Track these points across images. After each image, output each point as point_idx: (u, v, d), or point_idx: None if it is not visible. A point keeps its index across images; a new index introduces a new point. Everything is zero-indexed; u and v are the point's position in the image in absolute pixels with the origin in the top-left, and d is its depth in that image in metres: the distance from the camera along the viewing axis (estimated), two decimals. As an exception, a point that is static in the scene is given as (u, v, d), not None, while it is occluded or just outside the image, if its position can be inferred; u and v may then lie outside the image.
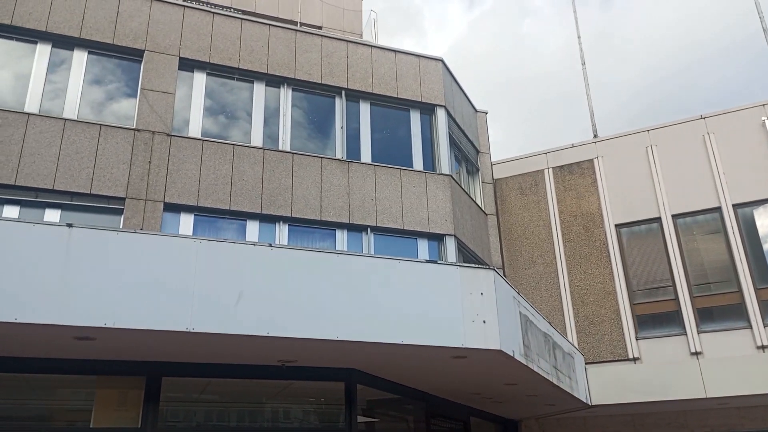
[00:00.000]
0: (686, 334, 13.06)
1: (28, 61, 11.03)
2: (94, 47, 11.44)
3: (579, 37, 17.33)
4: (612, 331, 13.64)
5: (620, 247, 14.19)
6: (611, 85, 47.22)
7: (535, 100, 52.47)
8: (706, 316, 13.15)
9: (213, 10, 12.62)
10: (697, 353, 12.83)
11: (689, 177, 13.94)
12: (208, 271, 6.16)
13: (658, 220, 14.00)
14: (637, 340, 13.39)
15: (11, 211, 10.08)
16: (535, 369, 8.11)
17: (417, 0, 62.14)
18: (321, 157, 12.30)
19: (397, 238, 12.54)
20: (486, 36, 57.06)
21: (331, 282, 6.58)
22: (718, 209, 13.55)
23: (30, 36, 11.08)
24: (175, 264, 6.07)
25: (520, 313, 7.92)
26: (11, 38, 11.02)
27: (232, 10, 16.00)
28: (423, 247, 12.68)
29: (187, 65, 11.97)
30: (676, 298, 13.38)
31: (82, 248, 5.82)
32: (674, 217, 13.87)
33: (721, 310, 13.09)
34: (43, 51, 11.15)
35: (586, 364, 12.52)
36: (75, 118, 10.88)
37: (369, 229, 12.23)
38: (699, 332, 12.99)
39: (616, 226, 14.34)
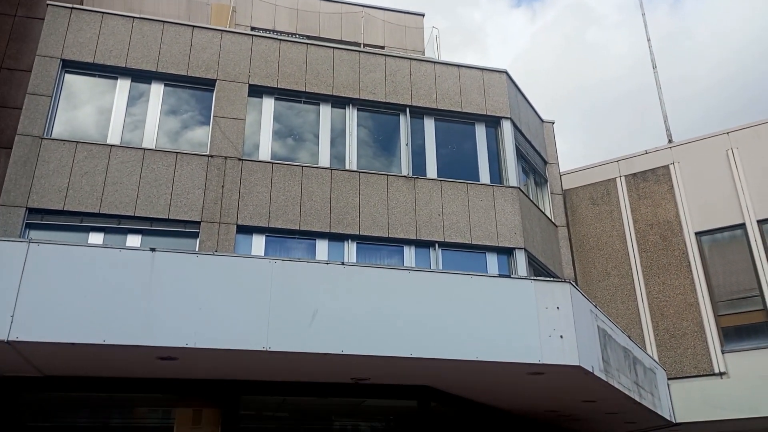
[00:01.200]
0: (778, 347, 12.30)
1: (110, 96, 11.68)
2: (170, 79, 12.00)
3: (649, 40, 16.83)
4: (695, 344, 13.01)
5: (701, 256, 13.56)
6: (682, 86, 45.52)
7: (603, 109, 51.22)
8: (799, 327, 12.37)
9: (279, 38, 13.00)
10: (791, 367, 12.06)
11: (774, 180, 13.22)
12: (283, 290, 6.29)
13: (743, 226, 13.31)
14: (723, 353, 12.72)
15: (96, 238, 10.63)
16: (615, 385, 7.83)
17: (478, 16, 62.08)
18: (387, 175, 12.39)
19: (465, 252, 12.43)
20: (550, 47, 56.31)
21: (403, 299, 6.59)
22: (808, 213, 12.77)
23: (111, 72, 11.74)
24: (252, 284, 6.23)
25: (597, 327, 7.68)
26: (94, 75, 11.70)
27: (297, 36, 16.45)
28: (492, 261, 12.52)
29: (257, 91, 12.37)
30: (765, 309, 12.64)
31: (164, 271, 6.07)
32: (760, 222, 13.15)
33: (816, 321, 12.29)
34: (123, 86, 11.78)
35: (668, 379, 11.98)
36: (153, 147, 11.41)
37: (437, 245, 12.19)
38: (792, 344, 12.22)
39: (697, 234, 13.73)
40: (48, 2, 11.89)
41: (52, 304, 5.68)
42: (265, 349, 5.99)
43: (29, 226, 10.36)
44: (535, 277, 7.13)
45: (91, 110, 11.58)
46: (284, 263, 6.44)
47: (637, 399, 8.76)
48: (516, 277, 7.54)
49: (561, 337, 6.69)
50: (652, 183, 14.57)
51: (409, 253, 12.05)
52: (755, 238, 13.08)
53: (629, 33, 54.51)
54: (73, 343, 5.60)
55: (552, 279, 7.11)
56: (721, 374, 12.58)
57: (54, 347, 5.71)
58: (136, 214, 10.76)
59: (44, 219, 10.45)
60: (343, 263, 6.65)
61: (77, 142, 10.95)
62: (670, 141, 15.54)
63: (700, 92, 46.05)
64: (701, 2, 57.76)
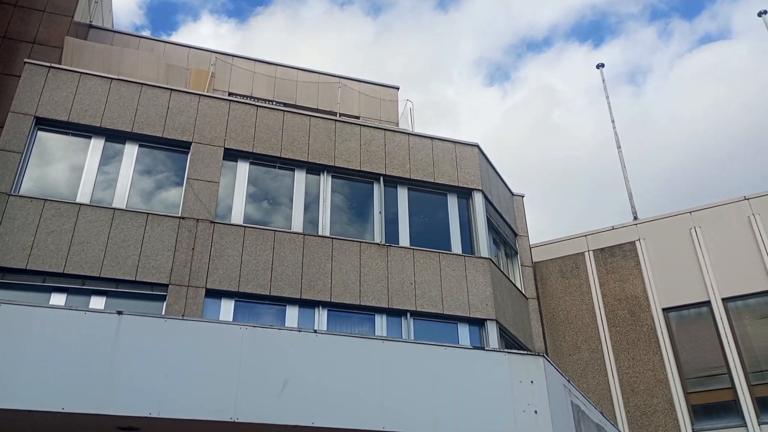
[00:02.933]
0: (746, 426, 12.30)
1: (82, 155, 11.57)
2: (145, 140, 11.97)
3: (613, 122, 17.52)
4: (666, 422, 12.93)
5: (669, 332, 13.68)
6: (644, 165, 47.26)
7: (569, 185, 52.71)
8: (766, 406, 12.41)
9: (256, 104, 13.18)
10: (760, 447, 12.02)
11: (737, 259, 13.57)
12: (253, 358, 6.10)
13: (708, 303, 13.54)
14: (693, 432, 12.65)
15: (58, 299, 10.27)
16: (590, 463, 7.67)
17: (452, 93, 64.20)
18: (360, 242, 12.38)
19: (436, 323, 12.33)
20: (519, 126, 58.31)
21: (376, 370, 6.44)
22: (771, 292, 13.07)
23: (85, 131, 11.68)
24: (221, 351, 6.04)
25: (571, 402, 7.59)
26: (67, 133, 11.62)
27: (275, 102, 16.70)
28: (464, 332, 12.42)
29: (232, 155, 12.40)
30: (733, 387, 12.71)
31: (130, 335, 5.85)
32: (725, 300, 13.40)
33: (782, 400, 12.36)
34: (96, 145, 11.70)
35: (640, 458, 11.80)
36: (124, 207, 11.24)
37: (408, 314, 12.07)
38: (760, 423, 12.23)
39: (664, 310, 13.90)
40: (26, 60, 11.90)
41: (9, 369, 5.39)
42: (232, 420, 5.75)
43: (-13, 285, 9.96)
44: (509, 350, 7.07)
45: (62, 168, 11.43)
46: (255, 329, 6.28)
47: (611, 478, 8.58)
48: (489, 349, 7.47)
49: (535, 412, 6.58)
50: (619, 258, 14.83)
51: (381, 322, 11.90)
52: (720, 316, 13.29)
53: (594, 115, 56.89)
54: (29, 410, 5.29)
55: (526, 352, 7.06)
56: (691, 453, 12.47)
57: (9, 414, 5.39)
58: (101, 275, 10.46)
59: (5, 278, 10.08)
60: (315, 331, 6.51)
61: (45, 199, 10.73)
62: (635, 218, 15.94)
63: (661, 171, 47.84)
64: (660, 92, 60.96)
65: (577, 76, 62.19)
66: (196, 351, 5.98)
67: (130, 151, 11.89)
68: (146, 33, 16.20)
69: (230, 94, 16.54)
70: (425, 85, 63.68)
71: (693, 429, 12.69)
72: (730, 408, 12.66)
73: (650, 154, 48.43)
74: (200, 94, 12.73)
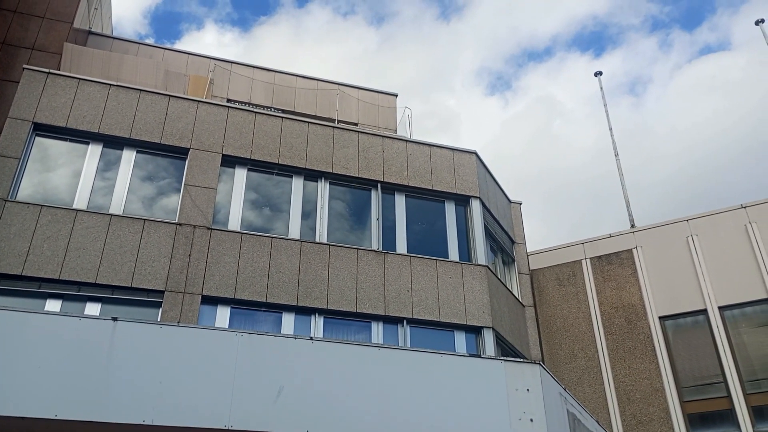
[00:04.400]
0: (743, 435, 12.27)
1: (80, 160, 11.57)
2: (143, 146, 11.98)
3: (611, 129, 17.57)
4: (662, 431, 12.90)
5: (666, 341, 13.67)
6: (642, 175, 47.38)
7: (566, 193, 52.82)
8: (761, 414, 12.40)
9: (255, 110, 13.20)
10: (756, 456, 12.00)
11: (734, 267, 13.59)
12: (249, 365, 6.09)
13: (704, 312, 13.54)
14: (690, 440, 12.62)
15: (54, 305, 10.24)
16: (586, 472, 7.65)
17: (453, 104, 64.35)
18: (357, 249, 12.37)
19: (433, 330, 12.32)
20: (519, 135, 58.44)
21: (371, 377, 6.43)
22: (767, 301, 13.07)
23: (83, 137, 11.68)
24: (216, 358, 6.03)
25: (567, 410, 7.58)
26: (65, 139, 11.63)
27: (273, 109, 16.73)
28: (460, 340, 12.41)
29: (230, 161, 12.41)
30: (729, 396, 12.69)
31: (125, 342, 5.84)
32: (721, 309, 13.40)
33: (778, 409, 12.35)
34: (94, 151, 11.71)
35: (637, 466, 11.78)
36: (121, 213, 11.23)
37: (405, 321, 12.06)
38: (756, 432, 12.21)
39: (660, 318, 13.90)
40: (24, 66, 11.92)
41: (2, 374, 5.38)
42: (226, 428, 5.73)
43: (-17, 290, 9.94)
44: (506, 358, 7.06)
45: (60, 174, 11.43)
46: (251, 336, 6.27)
47: (607, 487, 8.55)
48: (486, 357, 7.46)
49: (531, 420, 6.56)
50: (616, 266, 14.84)
51: (377, 329, 11.88)
52: (717, 324, 13.29)
53: (594, 125, 57.06)
54: (22, 417, 5.27)
55: (522, 360, 7.06)
56: (687, 462, 12.44)
57: (1, 421, 5.36)
58: (97, 282, 10.44)
59: (1, 284, 10.05)
60: (311, 338, 6.51)
61: (42, 205, 10.73)
62: (632, 225, 15.96)
63: (660, 181, 47.96)
64: (660, 102, 61.20)
65: (577, 85, 62.41)
66: (191, 358, 5.96)
67: (128, 157, 11.89)
68: (149, 41, 16.23)
69: (229, 100, 16.57)
70: (426, 95, 63.85)
71: (689, 438, 12.67)
72: (726, 417, 12.64)
73: (649, 164, 48.58)
74: (199, 101, 12.76)
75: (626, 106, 63.01)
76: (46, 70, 11.89)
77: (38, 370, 5.47)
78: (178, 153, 12.15)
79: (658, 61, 65.19)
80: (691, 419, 12.88)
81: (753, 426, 12.28)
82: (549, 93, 62.62)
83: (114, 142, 11.85)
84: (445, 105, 62.68)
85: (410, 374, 6.60)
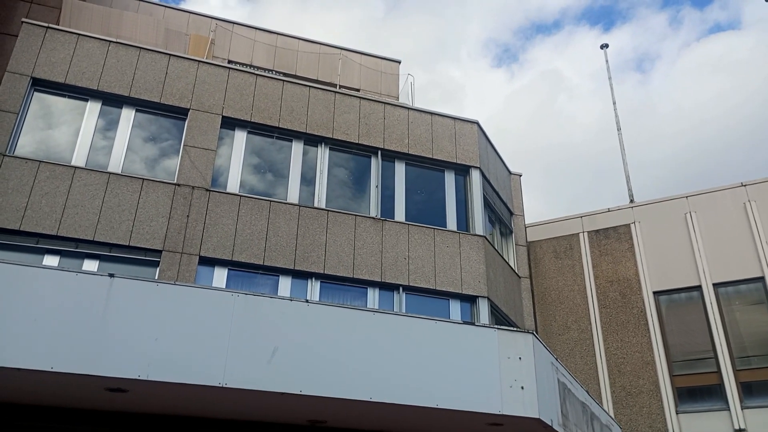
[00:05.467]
0: (729, 410, 12.47)
1: (79, 117, 11.48)
2: (142, 105, 11.88)
3: (614, 103, 17.42)
4: (651, 403, 13.09)
5: (659, 315, 13.78)
6: (644, 152, 47.19)
7: (567, 168, 52.65)
8: (750, 390, 12.57)
9: (256, 72, 13.05)
10: (740, 430, 12.20)
11: (731, 245, 13.62)
12: (244, 325, 6.12)
13: (699, 288, 13.62)
14: (677, 414, 12.82)
15: (51, 261, 10.28)
16: (574, 440, 7.77)
17: (458, 75, 63.62)
18: (355, 215, 12.37)
19: (428, 298, 12.39)
20: (523, 109, 57.98)
21: (366, 341, 6.48)
22: (761, 279, 13.14)
23: (82, 94, 11.57)
24: (212, 317, 6.06)
25: (558, 380, 7.67)
26: (64, 95, 11.52)
27: (274, 72, 16.54)
28: (455, 308, 12.50)
29: (229, 123, 12.32)
30: (719, 371, 12.85)
31: (122, 298, 5.86)
32: (715, 285, 13.48)
33: (766, 385, 12.51)
34: (93, 108, 11.61)
35: (624, 437, 11.98)
36: (119, 172, 11.19)
37: (401, 288, 12.13)
38: (743, 408, 12.40)
39: (655, 293, 13.98)
40: (23, 20, 11.75)
41: (-1, 326, 5.41)
42: (221, 386, 5.79)
43: (-19, 245, 9.96)
44: (499, 326, 7.11)
45: (59, 130, 11.35)
46: (247, 297, 6.30)
47: (593, 455, 8.71)
48: (480, 325, 7.51)
49: (522, 388, 6.64)
50: (613, 240, 14.87)
51: (373, 295, 11.95)
52: (710, 300, 13.38)
53: (599, 101, 56.59)
54: (18, 368, 5.32)
55: (515, 329, 7.11)
56: (674, 434, 12.65)
57: (-3, 372, 5.42)
58: (95, 239, 10.46)
59: (-2, 238, 10.07)
60: (307, 301, 6.53)
61: (40, 161, 10.68)
62: (631, 201, 15.95)
63: (662, 159, 47.80)
64: (666, 80, 60.57)
65: (584, 60, 61.73)
66: (187, 316, 5.99)
67: (127, 115, 11.80)
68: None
69: (230, 61, 16.37)
70: (432, 65, 63.14)
71: (677, 410, 12.87)
72: (714, 391, 12.82)
73: (652, 142, 48.36)
74: (199, 61, 12.61)
75: (632, 83, 62.45)
76: (45, 25, 11.71)
77: (34, 323, 5.50)
78: (178, 113, 12.05)
79: (667, 38, 64.41)
80: (679, 393, 13.06)
81: (741, 401, 12.46)
82: (555, 67, 62.00)
83: (113, 100, 11.74)
84: (450, 76, 62.08)
85: (404, 339, 6.65)
